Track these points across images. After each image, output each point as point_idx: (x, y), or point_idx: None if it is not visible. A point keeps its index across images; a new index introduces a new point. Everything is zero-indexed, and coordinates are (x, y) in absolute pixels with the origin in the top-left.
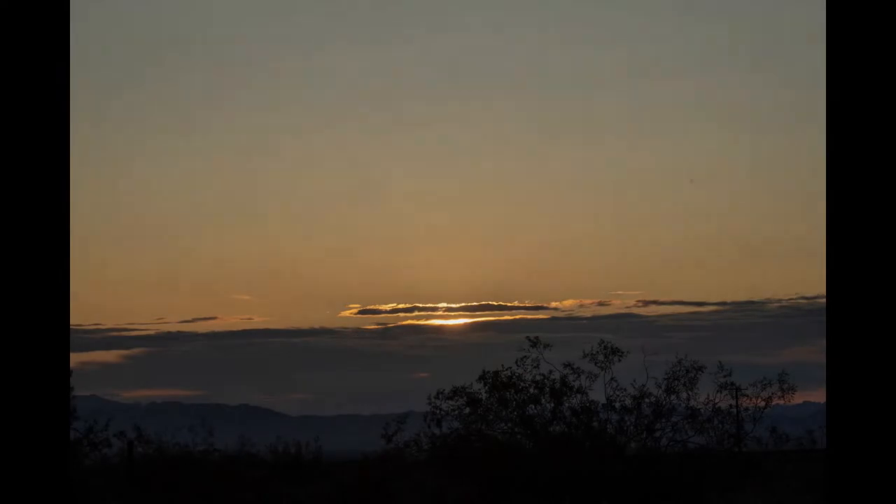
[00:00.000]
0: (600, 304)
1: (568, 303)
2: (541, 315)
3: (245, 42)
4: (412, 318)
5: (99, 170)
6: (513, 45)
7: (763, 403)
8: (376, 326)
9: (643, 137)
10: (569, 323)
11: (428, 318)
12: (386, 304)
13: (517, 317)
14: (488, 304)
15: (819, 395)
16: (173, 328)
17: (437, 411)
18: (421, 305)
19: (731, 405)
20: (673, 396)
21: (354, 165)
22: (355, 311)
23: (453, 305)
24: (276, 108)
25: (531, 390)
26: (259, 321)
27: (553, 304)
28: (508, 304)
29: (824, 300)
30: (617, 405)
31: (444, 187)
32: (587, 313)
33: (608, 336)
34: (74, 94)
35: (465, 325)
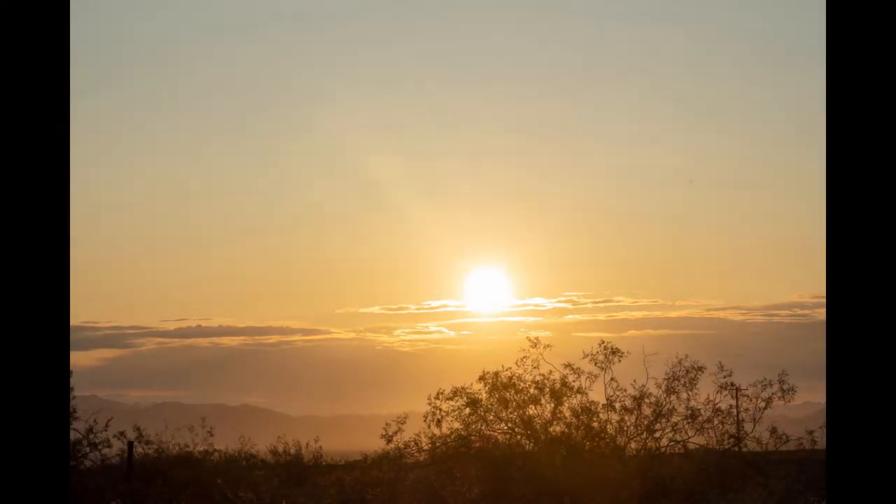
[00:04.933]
0: (602, 302)
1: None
2: (546, 315)
3: (246, 47)
4: (427, 317)
5: (101, 171)
6: (512, 43)
7: (763, 404)
8: (385, 327)
9: (637, 140)
10: (573, 322)
11: (444, 318)
12: (396, 304)
13: (521, 317)
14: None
15: (819, 395)
16: (174, 328)
17: (437, 411)
18: (437, 303)
19: (731, 405)
20: (673, 397)
21: (365, 165)
22: (373, 309)
23: (466, 306)
24: (284, 108)
25: (531, 390)
26: (258, 320)
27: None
28: (540, 305)
29: (824, 301)
30: (617, 405)
31: (460, 188)
32: (591, 313)
33: (609, 336)
34: (77, 94)
35: (480, 324)
